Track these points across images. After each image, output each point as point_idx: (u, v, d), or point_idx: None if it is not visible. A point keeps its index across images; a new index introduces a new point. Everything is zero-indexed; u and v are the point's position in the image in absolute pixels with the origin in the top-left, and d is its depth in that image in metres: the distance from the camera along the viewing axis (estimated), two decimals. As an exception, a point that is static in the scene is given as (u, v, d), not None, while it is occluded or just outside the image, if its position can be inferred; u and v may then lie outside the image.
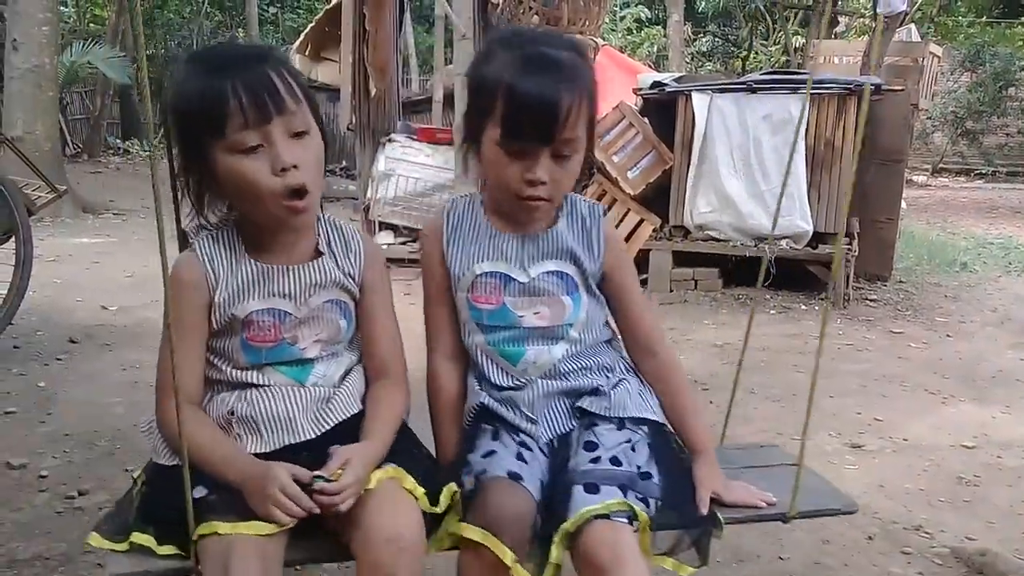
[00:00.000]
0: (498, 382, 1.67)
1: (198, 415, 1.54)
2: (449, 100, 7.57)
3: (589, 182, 1.80)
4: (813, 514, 1.77)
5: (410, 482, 1.48)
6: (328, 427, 1.56)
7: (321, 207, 1.59)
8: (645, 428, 1.65)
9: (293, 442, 1.53)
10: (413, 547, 1.42)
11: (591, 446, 1.59)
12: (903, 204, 7.45)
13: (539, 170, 1.53)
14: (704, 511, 1.60)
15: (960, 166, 18.67)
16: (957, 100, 17.96)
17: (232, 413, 1.55)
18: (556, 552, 1.45)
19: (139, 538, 1.43)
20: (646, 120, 6.56)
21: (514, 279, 1.65)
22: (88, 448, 3.16)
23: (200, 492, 1.42)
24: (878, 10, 7.76)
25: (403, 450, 1.58)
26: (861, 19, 15.24)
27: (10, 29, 9.09)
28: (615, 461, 1.55)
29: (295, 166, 1.45)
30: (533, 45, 1.55)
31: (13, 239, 4.07)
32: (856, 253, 6.17)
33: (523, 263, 1.66)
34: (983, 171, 18.08)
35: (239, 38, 17.64)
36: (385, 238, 7.22)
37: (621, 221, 6.33)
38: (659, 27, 20.37)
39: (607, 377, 1.70)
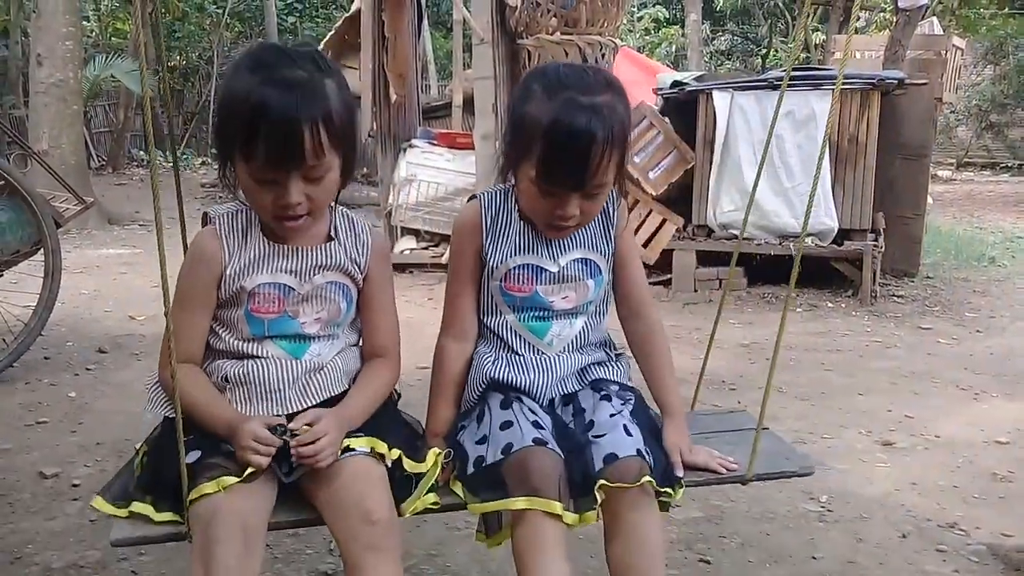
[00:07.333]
0: (523, 353, 1.81)
1: (193, 373, 1.65)
2: (468, 105, 7.57)
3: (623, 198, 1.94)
4: (770, 476, 1.86)
5: (383, 447, 1.58)
6: (314, 402, 1.64)
7: (336, 201, 1.69)
8: (632, 394, 1.82)
9: (280, 414, 1.61)
10: (383, 520, 1.51)
11: (607, 398, 1.76)
12: (928, 199, 7.37)
13: (570, 209, 1.68)
14: (680, 472, 1.71)
15: (985, 160, 18.46)
16: (981, 93, 17.78)
17: (227, 380, 1.64)
18: (599, 497, 1.55)
19: (138, 507, 1.54)
20: (667, 120, 6.54)
21: (545, 269, 1.80)
22: (120, 457, 3.18)
23: (193, 457, 1.51)
24: (900, 5, 7.69)
25: (384, 422, 1.69)
26: (882, 13, 15.13)
27: (34, 44, 9.22)
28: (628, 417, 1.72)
29: (299, 203, 1.55)
30: (571, 93, 1.61)
31: (42, 251, 4.12)
32: (882, 249, 6.10)
33: (553, 255, 1.80)
34: (1008, 164, 17.85)
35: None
36: (407, 243, 7.23)
37: (643, 222, 6.31)
38: (677, 27, 20.32)
39: (607, 353, 1.90)
